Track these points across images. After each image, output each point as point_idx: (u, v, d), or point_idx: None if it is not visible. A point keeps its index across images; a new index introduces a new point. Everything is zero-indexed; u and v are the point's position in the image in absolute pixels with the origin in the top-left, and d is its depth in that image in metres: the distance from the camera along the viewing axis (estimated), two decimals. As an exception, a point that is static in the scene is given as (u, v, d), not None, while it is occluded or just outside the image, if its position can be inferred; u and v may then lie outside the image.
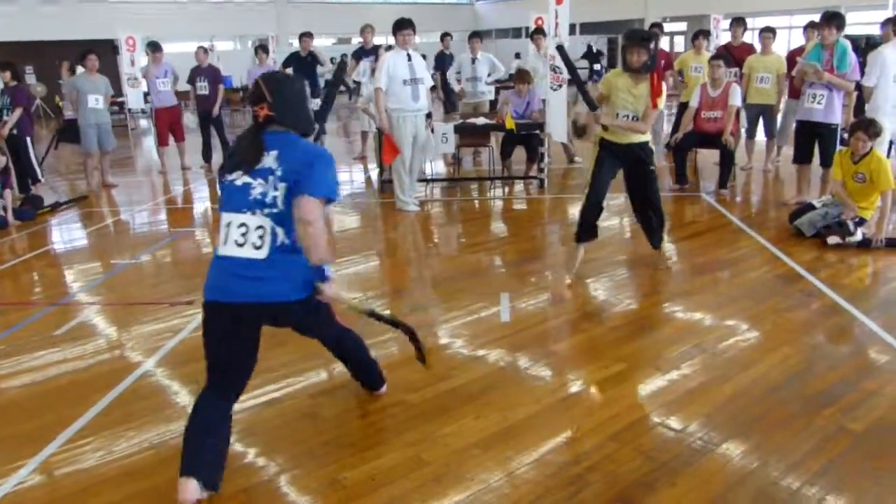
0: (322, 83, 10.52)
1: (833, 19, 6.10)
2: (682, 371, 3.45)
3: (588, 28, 27.20)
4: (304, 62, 9.87)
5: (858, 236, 5.20)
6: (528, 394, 3.28)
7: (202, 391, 2.65)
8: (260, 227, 2.48)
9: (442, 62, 11.75)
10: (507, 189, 8.09)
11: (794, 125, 8.54)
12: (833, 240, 5.21)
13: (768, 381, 3.34)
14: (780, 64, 7.94)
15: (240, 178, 2.54)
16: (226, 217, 2.55)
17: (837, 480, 2.57)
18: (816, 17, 7.90)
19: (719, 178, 7.32)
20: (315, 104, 10.10)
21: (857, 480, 2.57)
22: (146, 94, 11.09)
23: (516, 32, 30.59)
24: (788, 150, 8.53)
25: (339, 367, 3.57)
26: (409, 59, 6.64)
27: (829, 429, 2.91)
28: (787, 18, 21.97)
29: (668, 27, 27.34)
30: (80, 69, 9.22)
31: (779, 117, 8.29)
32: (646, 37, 4.45)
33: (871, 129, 5.31)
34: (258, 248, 2.49)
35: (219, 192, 2.64)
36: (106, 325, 4.42)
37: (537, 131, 7.85)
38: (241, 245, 2.50)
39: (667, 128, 9.55)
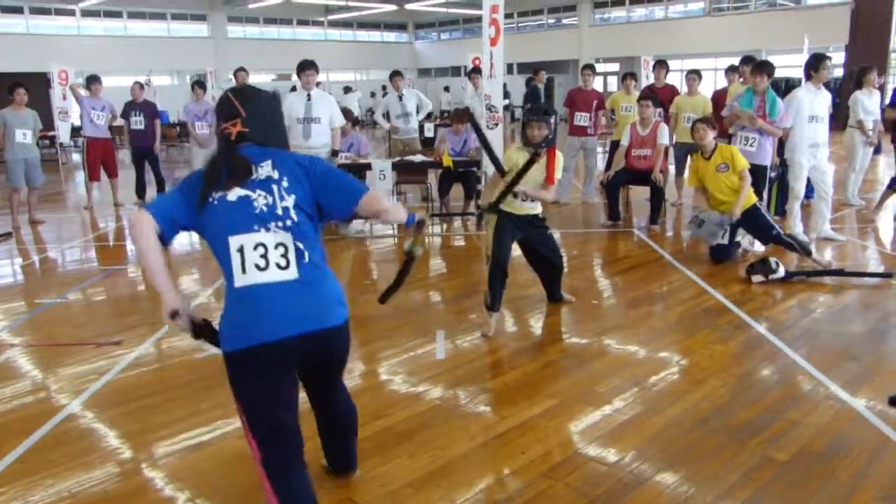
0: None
1: (764, 67, 6.43)
2: (613, 405, 3.51)
3: (525, 67, 27.87)
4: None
5: (781, 273, 5.42)
6: (462, 431, 3.27)
7: (273, 477, 2.23)
8: (280, 244, 2.17)
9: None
10: (444, 226, 8.16)
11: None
12: (758, 279, 5.42)
13: (698, 412, 3.42)
14: (706, 105, 8.30)
15: (232, 193, 2.20)
16: (234, 241, 2.16)
17: (762, 509, 2.64)
18: (737, 61, 8.36)
19: (650, 214, 7.55)
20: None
21: (780, 509, 2.65)
22: (77, 129, 10.83)
23: (455, 71, 31.15)
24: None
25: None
26: (309, 98, 6.79)
27: (755, 459, 2.99)
28: (713, 61, 22.95)
29: (601, 67, 28.35)
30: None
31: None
32: (547, 111, 4.52)
33: (708, 120, 6.14)
34: (284, 268, 2.18)
35: (202, 217, 2.23)
36: (28, 366, 4.24)
37: (474, 168, 7.96)
38: (262, 269, 2.16)
39: (600, 165, 9.84)
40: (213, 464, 3.05)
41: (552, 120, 4.51)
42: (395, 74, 9.77)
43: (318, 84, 7.55)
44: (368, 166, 7.80)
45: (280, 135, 2.42)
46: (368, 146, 8.82)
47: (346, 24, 31.16)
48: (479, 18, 33.39)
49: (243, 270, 2.17)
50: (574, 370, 3.98)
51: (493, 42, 7.27)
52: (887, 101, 8.73)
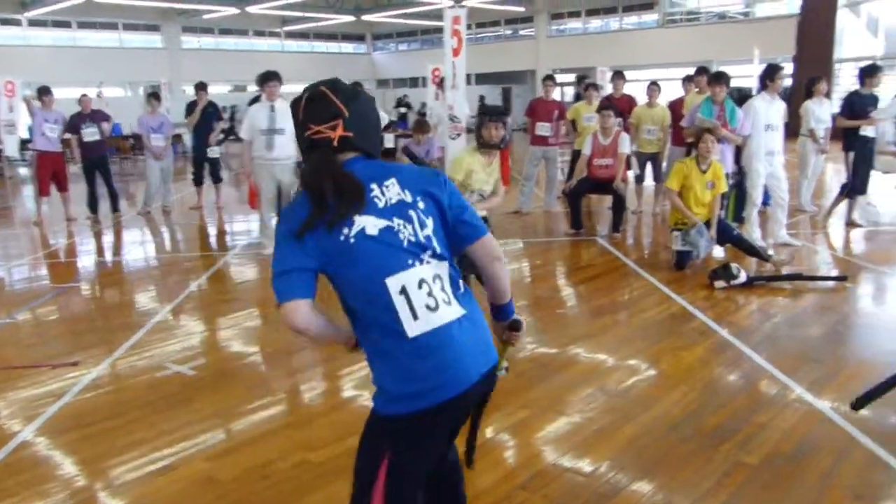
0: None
1: (721, 78, 6.56)
2: (585, 414, 3.50)
3: (482, 78, 28.07)
4: (204, 112, 9.72)
5: (742, 278, 5.50)
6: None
7: None
8: (436, 276, 1.83)
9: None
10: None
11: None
12: (720, 284, 5.49)
13: (668, 419, 3.43)
14: (666, 115, 8.42)
15: (371, 225, 1.80)
16: (393, 283, 1.78)
17: (737, 515, 2.65)
18: (691, 71, 8.51)
19: (612, 223, 7.61)
20: (216, 152, 9.98)
21: (755, 514, 2.66)
22: (25, 141, 10.52)
23: (413, 81, 31.20)
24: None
25: (240, 427, 3.43)
26: (272, 110, 6.72)
27: (728, 463, 3.00)
28: (666, 71, 23.35)
29: (558, 78, 28.68)
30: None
31: (664, 164, 8.75)
32: (503, 112, 4.47)
33: (715, 133, 6.08)
34: (449, 303, 1.84)
35: (333, 258, 1.80)
36: (-24, 392, 4.05)
37: (437, 179, 7.93)
38: (434, 309, 1.80)
39: (561, 175, 9.90)
40: (178, 487, 2.94)
41: (508, 120, 4.49)
42: (356, 85, 9.69)
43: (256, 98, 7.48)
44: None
45: (380, 141, 2.01)
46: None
47: (303, 35, 30.99)
48: (437, 30, 33.54)
49: (414, 316, 1.78)
50: (543, 380, 3.96)
51: (456, 53, 7.27)
52: (836, 109, 8.99)
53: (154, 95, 10.48)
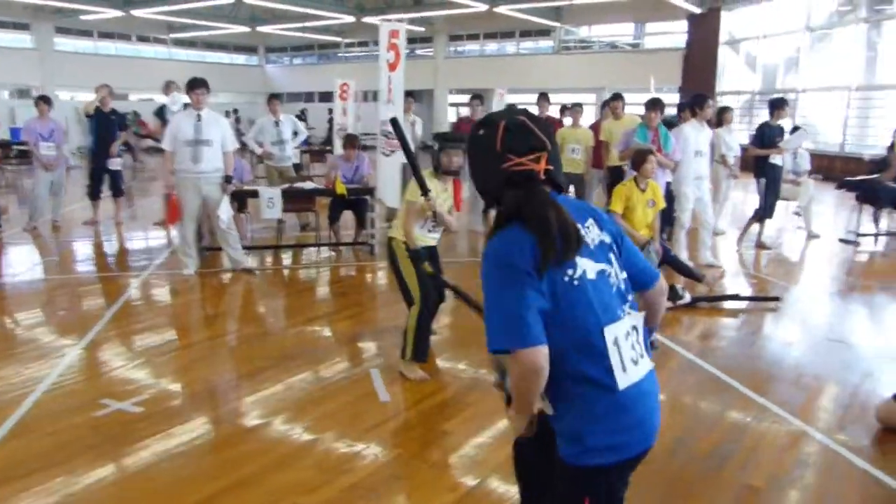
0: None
1: (657, 105, 6.73)
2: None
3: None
4: (107, 119, 8.96)
5: (687, 298, 5.64)
6: (434, 484, 3.02)
7: None
8: (635, 327, 1.77)
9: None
10: (333, 255, 7.81)
11: (595, 191, 9.36)
12: (666, 304, 5.59)
13: (662, 444, 3.36)
14: (589, 136, 8.61)
15: (590, 269, 1.70)
16: (610, 332, 1.69)
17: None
18: (584, 97, 8.74)
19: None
20: (117, 164, 9.23)
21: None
22: None
23: (309, 96, 30.63)
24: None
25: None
26: (199, 119, 6.32)
27: (736, 487, 3.00)
28: (561, 96, 24.14)
29: (452, 98, 29.05)
30: None
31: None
32: (462, 139, 4.19)
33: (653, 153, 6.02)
34: (642, 356, 1.78)
35: (556, 297, 1.66)
36: None
37: (367, 197, 7.71)
38: (637, 363, 1.73)
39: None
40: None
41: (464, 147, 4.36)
42: (273, 98, 9.31)
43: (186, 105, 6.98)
44: (254, 193, 7.32)
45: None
46: (250, 172, 8.33)
47: (191, 44, 29.72)
48: (334, 45, 33.06)
49: (623, 368, 1.70)
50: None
51: (393, 67, 7.10)
52: (741, 139, 9.53)
53: (44, 99, 9.59)
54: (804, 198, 8.97)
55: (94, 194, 9.28)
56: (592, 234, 1.77)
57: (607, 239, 1.80)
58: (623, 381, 1.70)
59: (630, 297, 1.81)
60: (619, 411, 1.71)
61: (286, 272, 7.15)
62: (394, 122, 4.10)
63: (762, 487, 3.01)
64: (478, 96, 9.51)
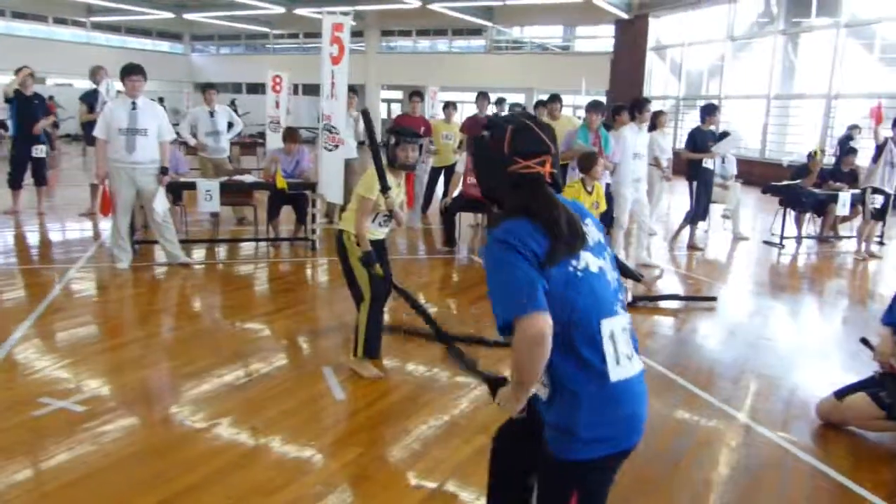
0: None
1: (598, 107, 6.86)
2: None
3: (311, 89, 27.47)
4: (29, 104, 8.47)
5: (629, 298, 5.77)
6: (398, 483, 2.99)
7: None
8: (626, 328, 1.84)
9: None
10: (272, 251, 7.64)
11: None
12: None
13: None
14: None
15: (592, 263, 1.79)
16: (606, 326, 1.76)
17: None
18: (514, 97, 8.86)
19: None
20: (41, 151, 8.76)
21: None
22: None
23: (236, 87, 29.85)
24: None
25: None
26: (135, 107, 6.08)
27: (694, 482, 3.09)
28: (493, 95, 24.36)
29: (385, 94, 28.90)
30: None
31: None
32: (419, 134, 4.34)
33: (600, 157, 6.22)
34: (632, 357, 1.84)
35: (558, 290, 1.72)
36: None
37: (307, 191, 7.57)
38: (630, 359, 1.81)
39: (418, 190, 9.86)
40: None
41: (423, 142, 4.36)
42: (209, 87, 9.03)
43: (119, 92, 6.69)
44: (191, 185, 7.08)
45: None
46: (186, 163, 8.05)
47: (112, 28, 28.49)
48: (263, 35, 32.37)
49: (617, 361, 1.77)
50: (487, 401, 3.85)
51: (336, 61, 6.99)
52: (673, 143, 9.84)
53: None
54: (732, 201, 9.34)
55: (14, 183, 8.76)
56: (591, 233, 1.85)
57: (602, 240, 1.89)
58: (615, 373, 1.76)
59: (622, 297, 1.87)
60: (610, 403, 1.77)
61: (224, 267, 6.94)
62: (364, 113, 4.08)
63: (718, 481, 3.11)
64: (417, 93, 9.52)
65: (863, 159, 9.59)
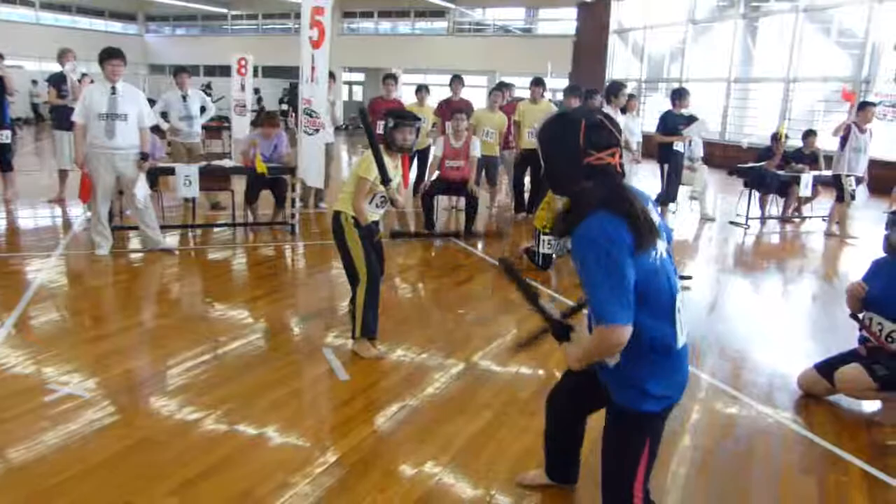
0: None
1: (576, 91, 7.00)
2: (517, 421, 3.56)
3: (269, 72, 27.11)
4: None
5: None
6: (417, 453, 3.10)
7: None
8: (682, 300, 2.19)
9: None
10: (252, 236, 7.62)
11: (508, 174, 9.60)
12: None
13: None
14: (503, 120, 8.81)
15: (662, 248, 2.08)
16: (678, 299, 2.10)
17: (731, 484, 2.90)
18: (476, 79, 8.95)
19: (466, 224, 7.78)
20: (6, 137, 8.54)
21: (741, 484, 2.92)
22: None
23: (193, 70, 29.18)
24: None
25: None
26: (114, 92, 6.04)
27: (693, 450, 3.26)
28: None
29: (347, 76, 28.65)
30: None
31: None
32: (417, 118, 4.34)
33: None
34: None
35: (643, 276, 2.02)
36: None
37: (286, 176, 7.56)
38: (684, 329, 2.16)
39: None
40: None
41: (419, 125, 4.45)
42: (181, 71, 8.91)
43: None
44: (170, 171, 7.01)
45: None
46: (163, 148, 7.96)
47: (63, 8, 27.61)
48: (221, 16, 31.70)
49: (682, 330, 2.13)
50: (488, 379, 3.98)
51: (317, 45, 6.95)
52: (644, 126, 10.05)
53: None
54: (699, 183, 9.60)
55: (-22, 170, 8.55)
56: (655, 217, 2.09)
57: (661, 221, 2.12)
58: (681, 341, 2.13)
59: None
60: (675, 365, 2.16)
61: (206, 253, 6.91)
62: (362, 112, 4.21)
63: (713, 450, 3.29)
64: (391, 76, 9.54)
65: (824, 142, 9.91)
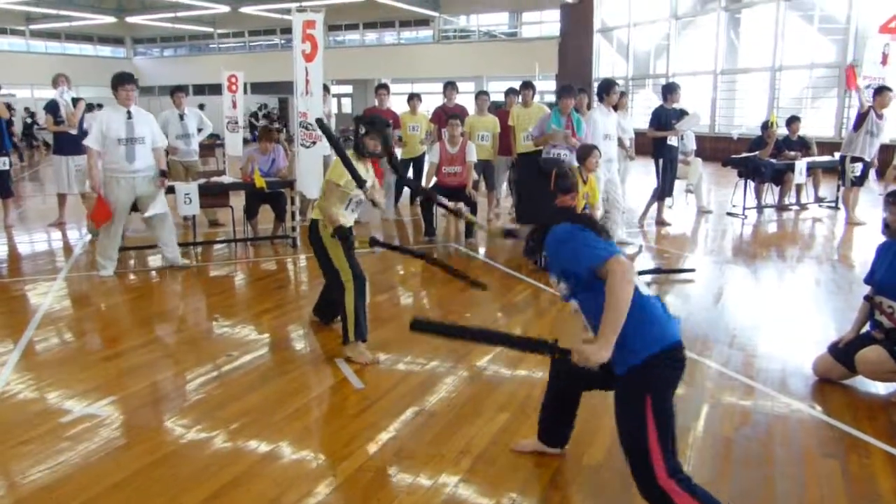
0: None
1: (570, 92, 7.02)
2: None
3: (257, 88, 27.16)
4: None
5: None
6: (441, 456, 3.11)
7: (689, 485, 2.33)
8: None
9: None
10: (253, 251, 7.63)
11: (505, 178, 9.63)
12: None
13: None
14: (496, 124, 8.85)
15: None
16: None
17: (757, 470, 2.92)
18: (464, 85, 9.00)
19: (466, 228, 7.81)
20: (5, 164, 8.54)
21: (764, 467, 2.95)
22: None
23: (182, 89, 29.20)
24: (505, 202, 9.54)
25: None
26: (130, 116, 6.12)
27: (713, 439, 3.28)
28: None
29: (335, 89, 28.67)
30: None
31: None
32: (387, 124, 4.45)
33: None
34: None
35: None
36: None
37: (285, 189, 7.58)
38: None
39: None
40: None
41: (389, 131, 4.51)
42: (177, 90, 8.96)
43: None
44: (170, 189, 7.01)
45: None
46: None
47: (52, 35, 27.60)
48: (207, 35, 31.74)
49: (641, 286, 2.52)
50: (500, 381, 3.99)
51: (310, 58, 6.99)
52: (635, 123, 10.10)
53: None
54: (694, 175, 9.66)
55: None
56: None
57: None
58: (644, 291, 2.49)
59: None
60: (647, 318, 2.41)
61: (211, 269, 6.91)
62: (319, 121, 4.44)
63: (734, 437, 3.31)
64: (384, 86, 9.57)
65: (815, 128, 9.97)
